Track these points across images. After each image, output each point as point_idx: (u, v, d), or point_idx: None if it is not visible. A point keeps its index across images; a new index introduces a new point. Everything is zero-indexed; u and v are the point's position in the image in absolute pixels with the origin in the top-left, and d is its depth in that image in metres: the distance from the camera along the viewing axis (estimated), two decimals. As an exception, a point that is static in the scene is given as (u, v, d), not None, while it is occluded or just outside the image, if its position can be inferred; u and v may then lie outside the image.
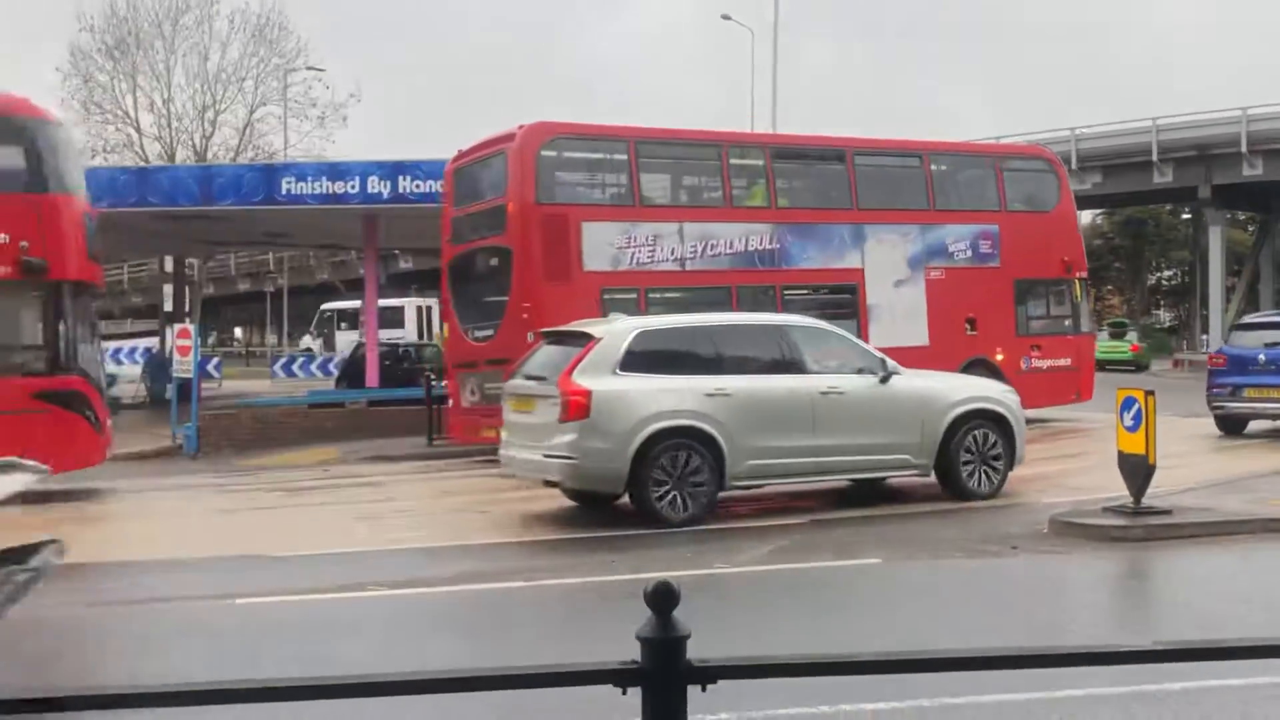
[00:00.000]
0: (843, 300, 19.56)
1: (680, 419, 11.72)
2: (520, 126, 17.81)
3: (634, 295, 17.84)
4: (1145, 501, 11.12)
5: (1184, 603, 8.96)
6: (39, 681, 6.36)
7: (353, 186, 23.30)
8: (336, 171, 23.31)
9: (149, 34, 42.39)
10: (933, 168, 21.19)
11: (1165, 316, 69.29)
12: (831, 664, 2.81)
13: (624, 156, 18.74)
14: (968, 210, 21.06)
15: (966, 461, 12.85)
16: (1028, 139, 42.90)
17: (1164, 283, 69.32)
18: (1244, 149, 41.49)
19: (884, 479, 13.34)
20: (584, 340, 12.13)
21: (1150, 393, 11.09)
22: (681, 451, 11.66)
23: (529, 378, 12.43)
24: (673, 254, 18.35)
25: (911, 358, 14.92)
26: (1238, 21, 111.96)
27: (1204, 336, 51.71)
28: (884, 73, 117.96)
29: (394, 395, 23.78)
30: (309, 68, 43.24)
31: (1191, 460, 16.50)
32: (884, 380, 12.65)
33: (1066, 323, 21.84)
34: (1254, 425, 19.39)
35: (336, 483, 16.58)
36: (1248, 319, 23.07)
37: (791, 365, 12.54)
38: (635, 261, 18.09)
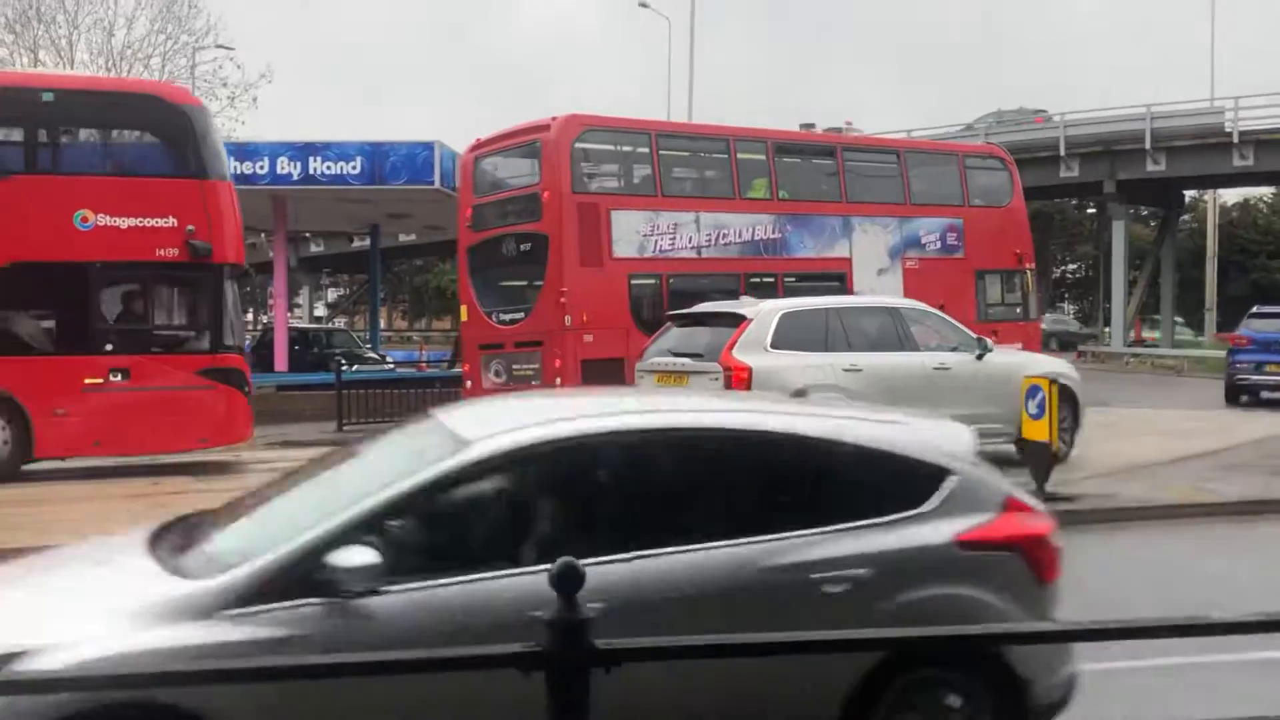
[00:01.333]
0: (833, 288, 20.29)
1: (824, 392, 12.58)
2: (554, 118, 18.69)
3: (656, 281, 19.06)
4: (1049, 489, 11.32)
5: (1086, 587, 9.11)
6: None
7: (261, 167, 22.97)
8: (244, 152, 22.91)
9: (51, 7, 41.11)
10: (907, 164, 22.33)
11: (1070, 309, 70.80)
12: (727, 646, 2.80)
13: (646, 149, 19.85)
14: (937, 204, 22.27)
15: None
16: (937, 134, 43.52)
17: (1069, 276, 70.83)
18: (1148, 145, 42.42)
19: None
20: (736, 321, 13.24)
21: (1054, 381, 11.29)
22: None
23: (678, 355, 13.45)
24: (690, 242, 19.44)
25: None
26: (1141, 19, 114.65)
27: (1106, 329, 52.94)
28: (795, 64, 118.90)
29: (304, 380, 23.52)
30: (218, 46, 42.26)
31: (1094, 449, 16.85)
32: (980, 357, 13.91)
33: (1018, 310, 23.10)
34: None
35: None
36: (1261, 309, 26.27)
37: (906, 343, 13.79)
38: (658, 249, 19.16)
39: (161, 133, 15.57)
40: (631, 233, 18.93)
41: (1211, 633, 3.66)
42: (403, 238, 40.94)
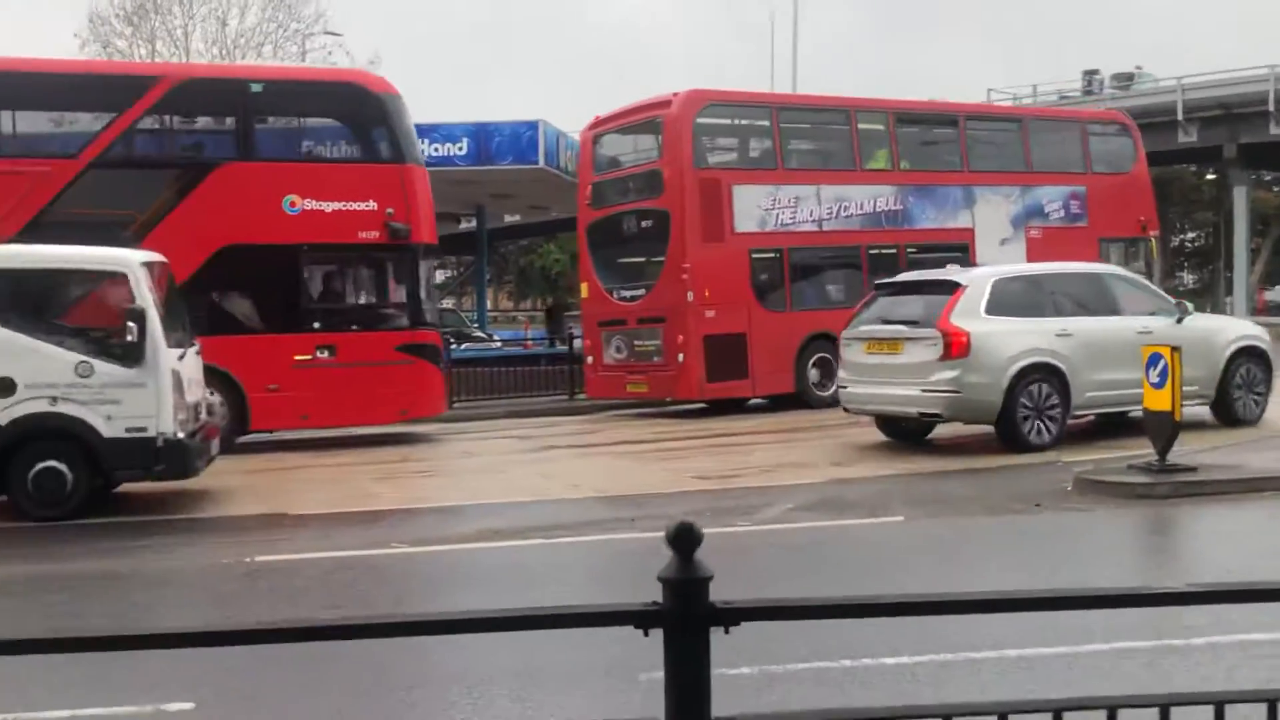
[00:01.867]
0: (957, 259, 20.09)
1: (1038, 356, 13.26)
2: (675, 94, 18.85)
3: (778, 255, 19.23)
4: (1170, 459, 11.04)
5: (1209, 558, 8.91)
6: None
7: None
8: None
9: (167, -1, 42.26)
10: (1029, 132, 22.26)
11: (1189, 279, 68.77)
12: (853, 606, 2.78)
13: (766, 123, 19.97)
14: (1060, 173, 22.07)
15: (1238, 392, 14.66)
16: (1051, 100, 42.55)
17: (1187, 245, 68.79)
18: (1271, 107, 40.95)
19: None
20: (950, 288, 13.59)
21: (1176, 349, 10.99)
22: (1040, 384, 13.25)
23: (889, 323, 13.85)
24: (811, 215, 19.55)
25: None
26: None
27: (1228, 299, 51.34)
28: (900, 30, 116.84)
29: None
30: (327, 32, 43.04)
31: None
32: (1179, 320, 14.28)
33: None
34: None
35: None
36: None
37: (1110, 308, 14.19)
38: (779, 223, 19.26)
39: (362, 120, 16.51)
40: (752, 207, 19.03)
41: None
42: (508, 218, 41.32)
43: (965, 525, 9.92)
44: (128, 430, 10.64)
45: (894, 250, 20.07)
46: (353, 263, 16.32)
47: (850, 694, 5.55)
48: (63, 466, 10.65)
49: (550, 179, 25.87)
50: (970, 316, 13.20)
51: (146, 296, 10.74)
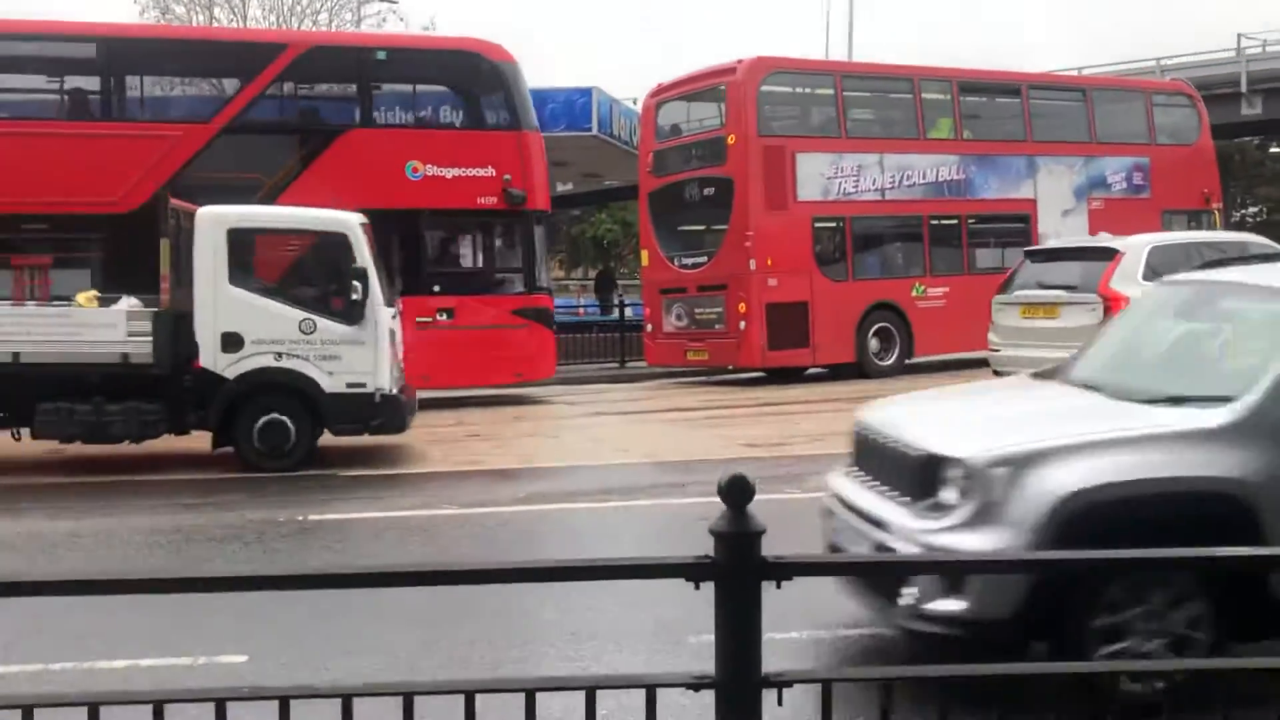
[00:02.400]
0: (1018, 229, 20.58)
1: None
2: (739, 61, 18.89)
3: (840, 224, 19.30)
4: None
5: None
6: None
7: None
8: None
9: (224, -35, 42.49)
10: (1093, 102, 22.13)
11: (1251, 254, 67.65)
12: (896, 563, 2.80)
13: (830, 91, 19.95)
14: (1123, 143, 21.98)
15: None
16: (1113, 69, 41.82)
17: (1249, 219, 67.58)
18: (1339, 79, 40.03)
19: None
20: (1109, 254, 13.85)
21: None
22: None
23: (1047, 287, 14.17)
24: (874, 184, 19.56)
25: None
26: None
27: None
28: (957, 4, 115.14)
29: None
30: (383, 0, 43.14)
31: None
32: None
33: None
34: None
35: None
36: None
37: None
38: (841, 191, 19.31)
39: (481, 87, 16.89)
40: (815, 175, 19.04)
41: None
42: (560, 187, 41.30)
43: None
44: (348, 385, 11.15)
45: (955, 220, 20.11)
46: (471, 228, 16.80)
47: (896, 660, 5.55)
48: (287, 420, 11.14)
49: (604, 147, 25.83)
50: (1129, 281, 13.30)
51: (367, 257, 11.31)
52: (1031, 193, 20.76)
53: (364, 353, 11.20)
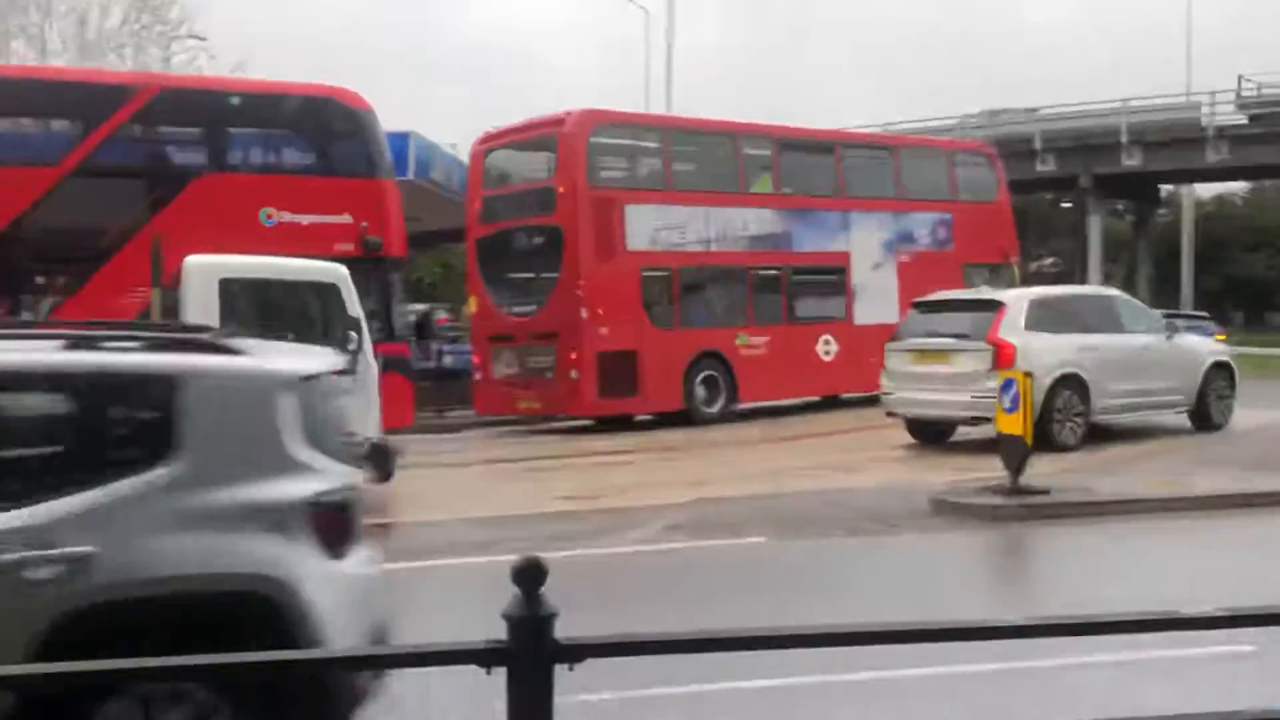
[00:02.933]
0: (834, 281, 21.25)
1: (1068, 368, 15.00)
2: (568, 112, 19.09)
3: (668, 274, 19.52)
4: (1023, 481, 11.36)
5: (1057, 580, 9.17)
6: None
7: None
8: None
9: (26, -5, 40.79)
10: (901, 160, 23.02)
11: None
12: (699, 641, 2.78)
13: (657, 144, 20.32)
14: (928, 200, 22.85)
15: (1213, 400, 16.84)
16: (917, 127, 43.57)
17: (1045, 270, 71.01)
18: (1124, 140, 42.59)
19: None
20: (994, 306, 15.43)
21: (1029, 375, 11.33)
22: (1069, 392, 14.98)
23: (936, 335, 15.54)
24: (699, 236, 19.89)
25: (885, 334, 16.83)
26: (1107, 20, 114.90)
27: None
28: (769, 56, 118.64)
29: None
30: (192, 36, 41.94)
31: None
32: (1169, 338, 16.59)
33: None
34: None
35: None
36: None
37: (1118, 327, 16.17)
38: (669, 242, 19.56)
39: (337, 134, 16.75)
40: (644, 226, 19.30)
41: (1178, 628, 3.68)
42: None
43: (825, 546, 10.06)
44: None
45: (776, 272, 20.61)
46: None
47: (709, 719, 5.56)
48: None
49: (421, 191, 25.60)
50: (1013, 331, 14.90)
51: (358, 306, 11.63)
52: (846, 246, 21.43)
53: (356, 402, 10.66)
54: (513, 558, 2.61)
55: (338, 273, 11.83)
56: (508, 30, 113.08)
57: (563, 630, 2.60)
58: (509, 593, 2.59)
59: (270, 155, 17.04)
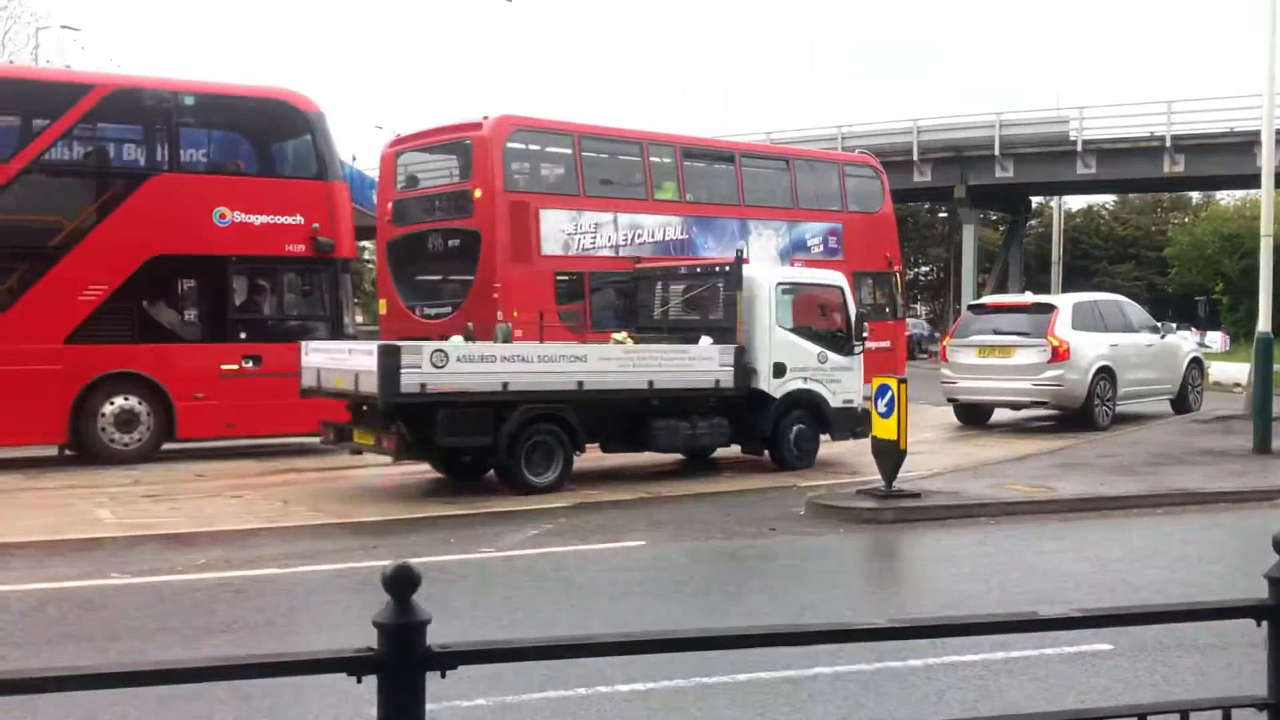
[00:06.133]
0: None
1: (1102, 361, 18.76)
2: (485, 118, 19.19)
3: (579, 278, 19.66)
4: (896, 485, 11.60)
5: (928, 581, 9.38)
6: None
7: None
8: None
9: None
10: (795, 171, 23.57)
11: (922, 310, 72.66)
12: (571, 646, 2.77)
13: (569, 150, 20.39)
14: (820, 210, 23.50)
15: (1191, 390, 21.14)
16: (799, 136, 44.22)
17: (920, 278, 72.61)
18: (997, 152, 43.80)
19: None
20: (1048, 309, 19.23)
21: (903, 380, 11.57)
22: (1104, 381, 18.73)
23: (1000, 333, 19.13)
24: (609, 241, 20.17)
25: None
26: (990, 33, 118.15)
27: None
28: (652, 62, 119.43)
29: None
30: (63, 26, 40.74)
31: (940, 447, 17.37)
32: (1162, 337, 20.58)
33: (887, 310, 24.45)
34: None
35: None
36: None
37: (1130, 327, 20.03)
38: (580, 247, 19.81)
39: (289, 136, 16.99)
40: (557, 231, 19.50)
41: (1038, 628, 3.80)
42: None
43: (703, 549, 10.14)
44: (843, 402, 14.82)
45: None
46: (279, 275, 16.83)
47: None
48: (808, 429, 14.57)
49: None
50: (1065, 330, 18.55)
51: (852, 303, 15.36)
52: (745, 253, 21.66)
53: (853, 377, 15.03)
54: (394, 563, 2.58)
55: (841, 279, 15.64)
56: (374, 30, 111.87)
57: (440, 636, 2.58)
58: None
59: (223, 155, 17.08)
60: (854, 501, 11.54)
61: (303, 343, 14.16)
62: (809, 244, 22.96)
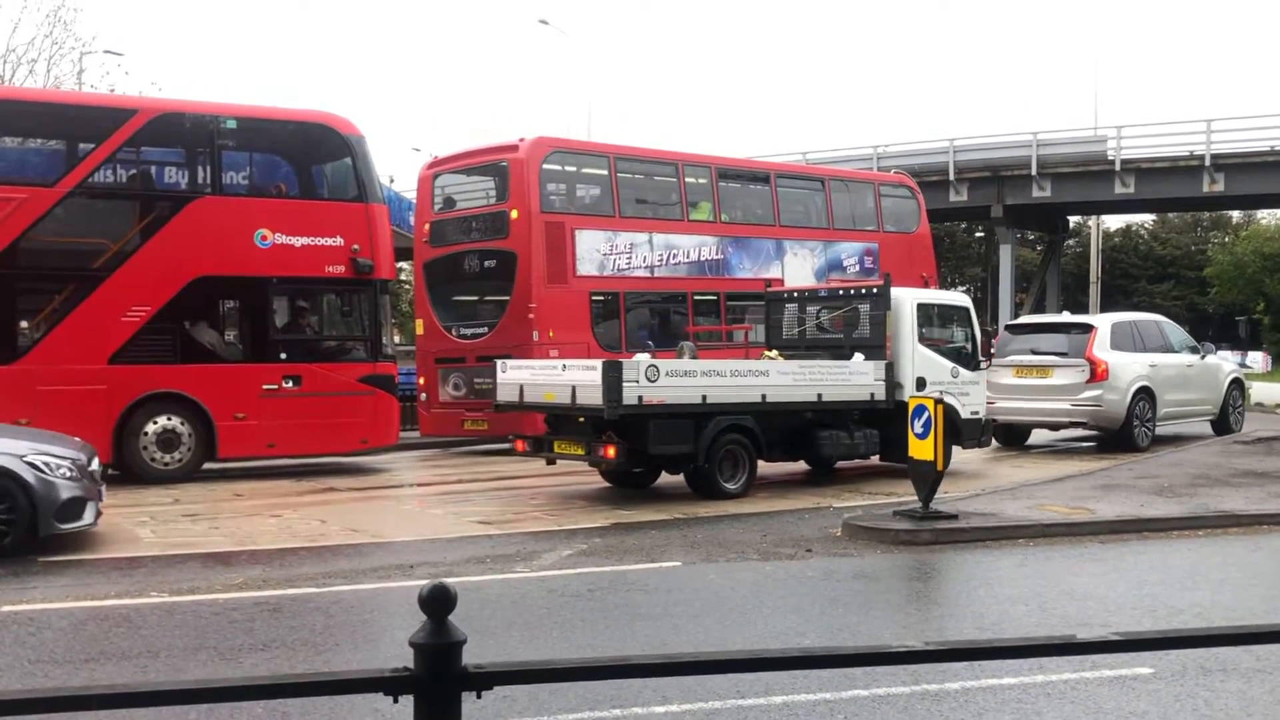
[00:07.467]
0: (764, 308, 21.27)
1: (1141, 381, 18.87)
2: (521, 140, 19.40)
3: (614, 298, 19.92)
4: (933, 506, 11.53)
5: (965, 604, 9.31)
6: None
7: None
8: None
9: (-70, 8, 39.83)
10: (831, 191, 23.67)
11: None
12: (607, 667, 2.78)
13: (605, 171, 20.60)
14: (856, 230, 23.63)
15: (1232, 411, 21.14)
16: (836, 156, 44.21)
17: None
18: (1034, 172, 43.59)
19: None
20: (1086, 329, 19.33)
21: (939, 401, 11.51)
22: (1144, 402, 18.90)
23: (1038, 353, 19.31)
24: (644, 261, 20.36)
25: None
26: (1025, 54, 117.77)
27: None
28: (687, 84, 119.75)
29: None
30: (107, 51, 41.28)
31: (978, 467, 17.27)
32: (1203, 357, 20.66)
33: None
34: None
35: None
36: None
37: (1169, 347, 20.28)
38: (616, 267, 19.99)
39: (330, 159, 17.27)
40: (592, 251, 19.68)
41: (1077, 652, 3.78)
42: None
43: (739, 570, 10.11)
44: (971, 413, 15.98)
45: (715, 297, 21.09)
46: (319, 296, 17.12)
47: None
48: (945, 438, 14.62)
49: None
50: (1103, 350, 18.66)
51: (977, 322, 16.65)
52: (780, 273, 21.77)
53: (979, 391, 16.29)
54: (433, 582, 2.60)
55: (967, 300, 17.31)
56: (435, 57, 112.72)
57: (475, 656, 2.59)
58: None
59: (264, 178, 17.33)
60: (891, 523, 11.48)
61: (499, 360, 14.97)
62: (845, 264, 22.99)
